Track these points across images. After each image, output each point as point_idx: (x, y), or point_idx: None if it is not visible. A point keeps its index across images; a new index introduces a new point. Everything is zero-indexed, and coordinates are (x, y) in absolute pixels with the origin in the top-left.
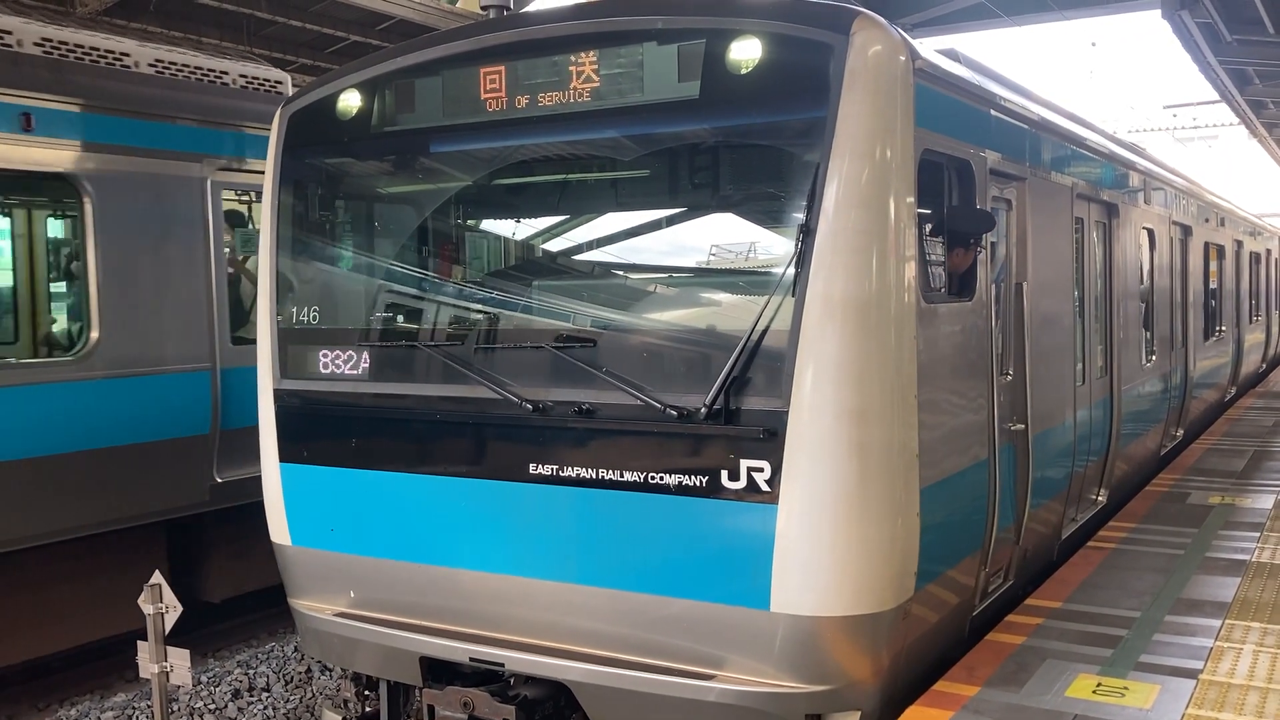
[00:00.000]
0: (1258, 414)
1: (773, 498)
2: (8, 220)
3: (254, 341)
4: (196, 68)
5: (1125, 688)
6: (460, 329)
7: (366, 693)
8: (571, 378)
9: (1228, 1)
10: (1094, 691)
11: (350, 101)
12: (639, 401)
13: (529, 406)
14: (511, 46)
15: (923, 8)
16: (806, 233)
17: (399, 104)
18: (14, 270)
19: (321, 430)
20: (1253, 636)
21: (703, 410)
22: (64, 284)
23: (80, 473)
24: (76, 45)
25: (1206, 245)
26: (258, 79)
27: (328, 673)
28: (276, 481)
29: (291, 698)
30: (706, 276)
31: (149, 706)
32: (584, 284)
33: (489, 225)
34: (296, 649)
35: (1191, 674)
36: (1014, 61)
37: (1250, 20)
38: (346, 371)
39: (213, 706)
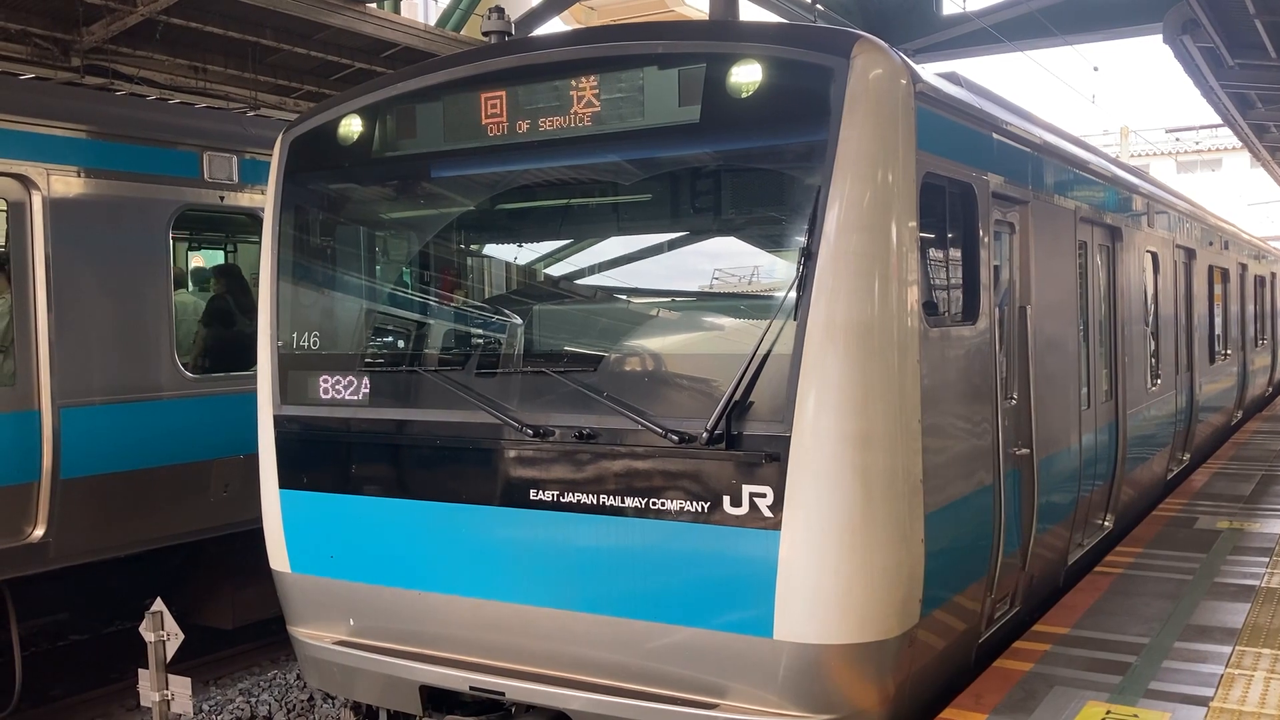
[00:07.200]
0: (1264, 438)
1: (775, 524)
2: None
3: None
4: None
5: (1135, 715)
6: (461, 354)
7: None
8: (572, 403)
9: (1229, 26)
10: (1103, 719)
11: (352, 127)
12: (640, 427)
13: (529, 432)
14: (513, 71)
15: (925, 33)
16: (808, 256)
17: (400, 129)
18: None
19: (321, 456)
20: (1264, 663)
21: (704, 435)
22: None
23: None
24: None
25: (1210, 269)
26: None
27: (330, 701)
28: (276, 508)
29: None
30: (707, 300)
31: None
32: (585, 308)
33: (490, 250)
34: (299, 677)
35: (1202, 701)
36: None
37: (1252, 44)
38: (347, 397)
39: None
